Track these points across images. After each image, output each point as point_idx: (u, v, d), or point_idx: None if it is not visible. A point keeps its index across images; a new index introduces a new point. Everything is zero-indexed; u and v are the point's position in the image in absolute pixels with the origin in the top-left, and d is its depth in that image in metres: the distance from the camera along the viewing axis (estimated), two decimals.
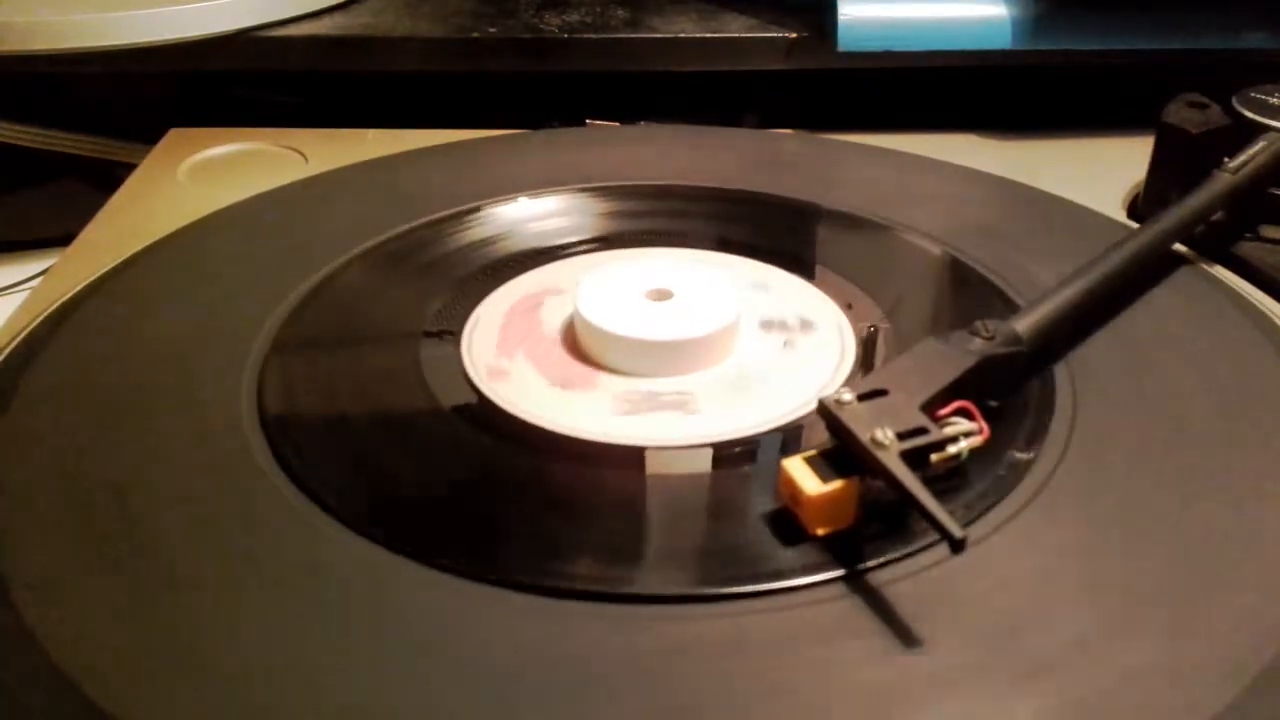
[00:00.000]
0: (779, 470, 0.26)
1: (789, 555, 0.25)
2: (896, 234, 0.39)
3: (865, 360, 0.33)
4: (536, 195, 0.41)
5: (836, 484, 0.25)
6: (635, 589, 0.24)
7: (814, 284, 0.37)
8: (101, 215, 0.43)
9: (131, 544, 0.26)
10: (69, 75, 0.49)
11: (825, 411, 0.26)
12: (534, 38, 0.51)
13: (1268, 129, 0.39)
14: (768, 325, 0.35)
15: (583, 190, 0.42)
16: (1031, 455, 0.28)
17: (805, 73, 0.51)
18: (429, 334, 0.34)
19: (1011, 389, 0.30)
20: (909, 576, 0.25)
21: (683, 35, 0.51)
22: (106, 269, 0.37)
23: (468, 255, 0.38)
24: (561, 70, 0.52)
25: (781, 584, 0.24)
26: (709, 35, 0.51)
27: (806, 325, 0.35)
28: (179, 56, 0.49)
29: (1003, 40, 0.49)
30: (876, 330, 0.34)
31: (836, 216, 0.41)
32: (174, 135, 0.49)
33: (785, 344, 0.34)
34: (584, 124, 0.50)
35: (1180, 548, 0.26)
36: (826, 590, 0.24)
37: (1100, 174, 0.45)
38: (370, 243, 0.38)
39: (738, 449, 0.29)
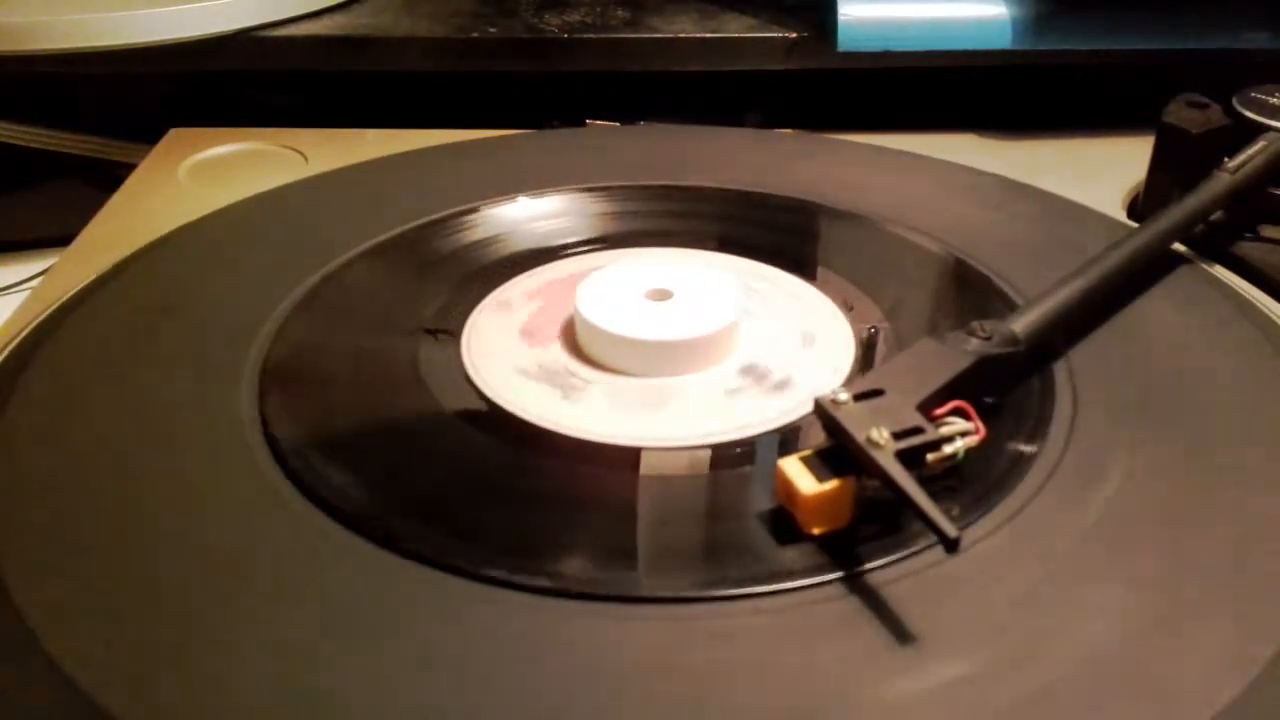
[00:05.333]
0: (775, 470, 0.26)
1: (785, 555, 0.25)
2: (896, 234, 0.39)
3: (865, 360, 0.33)
4: (536, 195, 0.41)
5: (832, 483, 0.25)
6: (631, 589, 0.24)
7: (814, 284, 0.37)
8: (101, 215, 0.43)
9: (132, 544, 0.26)
10: (69, 75, 0.49)
11: (821, 411, 0.26)
12: (534, 38, 0.51)
13: (1268, 129, 0.39)
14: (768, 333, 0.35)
15: (583, 190, 0.42)
16: (1032, 454, 0.28)
17: (805, 73, 0.51)
18: (429, 331, 0.34)
19: (1009, 389, 0.30)
20: (905, 577, 0.25)
21: (683, 35, 0.51)
22: (106, 269, 0.37)
23: (468, 255, 0.38)
24: (561, 70, 0.52)
25: (777, 585, 0.24)
26: (709, 35, 0.51)
27: (806, 328, 0.35)
28: (179, 56, 0.49)
29: (1003, 40, 0.49)
30: (876, 330, 0.34)
31: (836, 216, 0.41)
32: (174, 135, 0.49)
33: (785, 344, 0.34)
34: (584, 124, 0.50)
35: (1180, 547, 0.26)
36: (822, 590, 0.24)
37: (1100, 174, 0.45)
38: (370, 243, 0.38)
39: (735, 449, 0.29)
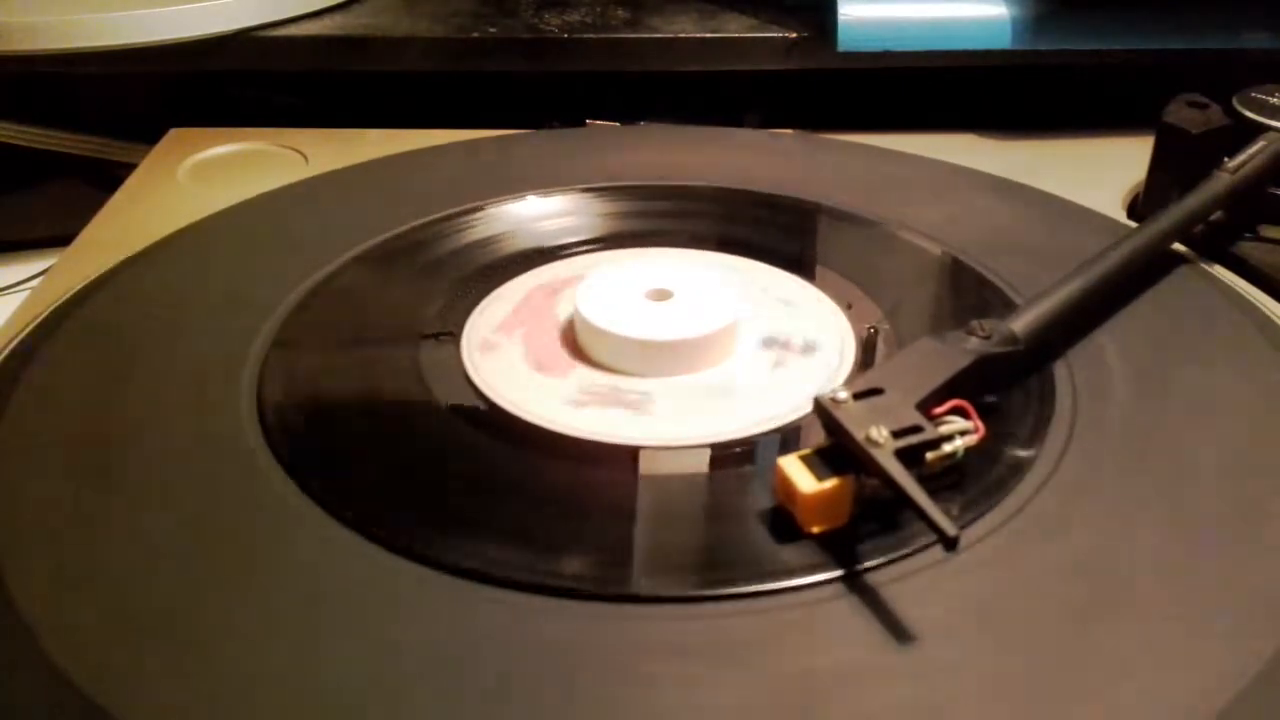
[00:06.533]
0: (775, 468, 0.26)
1: (784, 554, 0.25)
2: (896, 234, 0.39)
3: (865, 360, 0.33)
4: (536, 195, 0.41)
5: (832, 482, 0.25)
6: (629, 589, 0.24)
7: (814, 284, 0.37)
8: (101, 215, 0.43)
9: (132, 544, 0.26)
10: (69, 75, 0.49)
11: (821, 410, 0.26)
12: (534, 38, 0.51)
13: (1268, 129, 0.39)
14: (769, 334, 0.35)
15: (583, 190, 0.42)
16: (1031, 454, 0.28)
17: (805, 73, 0.51)
18: (427, 336, 0.34)
19: (1008, 388, 0.30)
20: (905, 575, 0.25)
21: (683, 35, 0.51)
22: (106, 269, 0.37)
23: (468, 255, 0.38)
24: (561, 70, 0.52)
25: (776, 584, 0.24)
26: (709, 35, 0.51)
27: (808, 334, 0.35)
28: (179, 56, 0.49)
29: (1003, 40, 0.49)
30: (876, 330, 0.34)
31: (837, 216, 0.41)
32: (174, 135, 0.49)
33: (785, 345, 0.34)
34: (584, 124, 0.51)
35: (1179, 547, 0.26)
36: (822, 589, 0.24)
37: (1100, 174, 0.45)
38: (370, 243, 0.38)
39: (734, 449, 0.29)
